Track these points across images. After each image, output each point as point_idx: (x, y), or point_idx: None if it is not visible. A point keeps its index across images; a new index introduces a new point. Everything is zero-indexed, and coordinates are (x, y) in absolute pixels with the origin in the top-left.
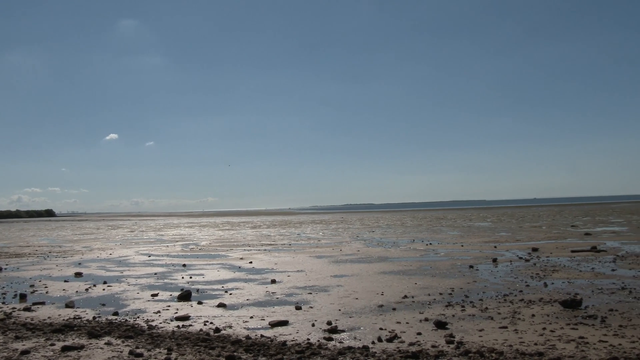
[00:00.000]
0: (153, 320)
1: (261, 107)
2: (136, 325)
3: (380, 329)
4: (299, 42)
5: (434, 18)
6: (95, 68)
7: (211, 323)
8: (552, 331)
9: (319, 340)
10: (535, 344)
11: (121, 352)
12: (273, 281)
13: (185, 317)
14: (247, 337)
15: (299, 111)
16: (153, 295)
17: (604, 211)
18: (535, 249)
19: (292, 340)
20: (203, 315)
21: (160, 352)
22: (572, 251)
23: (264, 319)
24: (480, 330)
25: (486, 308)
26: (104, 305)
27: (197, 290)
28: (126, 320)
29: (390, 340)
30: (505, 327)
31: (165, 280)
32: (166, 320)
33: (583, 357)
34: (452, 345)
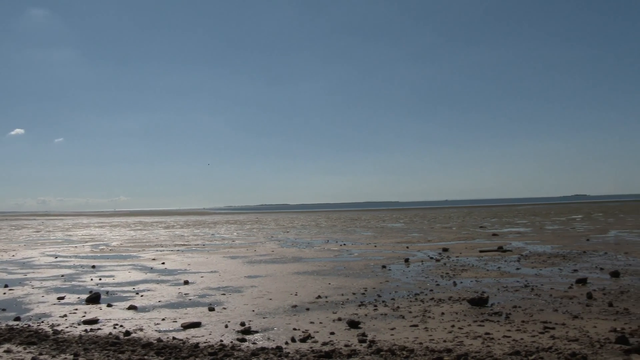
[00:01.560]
0: (59, 325)
1: (176, 105)
2: (40, 331)
3: (294, 329)
4: (217, 40)
5: (355, 20)
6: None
7: (121, 326)
8: (460, 328)
9: (232, 342)
10: (445, 341)
11: (23, 359)
12: (186, 282)
13: (94, 321)
14: (159, 340)
15: (215, 110)
16: (59, 298)
17: (510, 213)
18: (445, 249)
19: (205, 342)
20: (113, 318)
21: (66, 358)
22: (480, 251)
23: (176, 321)
24: (392, 329)
25: (398, 307)
26: (4, 310)
27: (107, 292)
28: (29, 325)
29: (303, 340)
30: (416, 326)
31: (73, 283)
32: (73, 324)
33: (488, 352)
34: (364, 344)
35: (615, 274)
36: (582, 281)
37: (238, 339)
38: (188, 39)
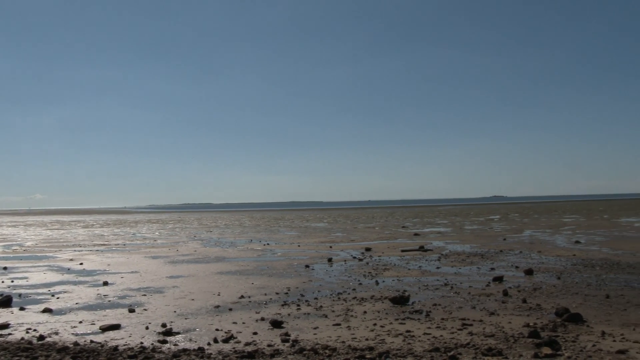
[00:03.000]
0: None
1: (96, 100)
2: None
3: (217, 329)
4: (141, 36)
5: (288, 19)
6: None
7: (35, 330)
8: (382, 326)
9: (153, 344)
10: (367, 339)
11: None
12: (105, 283)
13: (4, 325)
14: (75, 344)
15: (137, 106)
16: None
17: (431, 213)
18: (368, 249)
19: (125, 345)
20: (25, 322)
21: None
22: (402, 250)
23: (94, 324)
24: (315, 328)
25: (321, 306)
26: None
27: (20, 295)
28: None
29: (226, 340)
30: (339, 324)
31: None
32: None
33: (409, 349)
34: (287, 344)
35: (529, 272)
36: (499, 279)
37: (159, 341)
38: (110, 34)
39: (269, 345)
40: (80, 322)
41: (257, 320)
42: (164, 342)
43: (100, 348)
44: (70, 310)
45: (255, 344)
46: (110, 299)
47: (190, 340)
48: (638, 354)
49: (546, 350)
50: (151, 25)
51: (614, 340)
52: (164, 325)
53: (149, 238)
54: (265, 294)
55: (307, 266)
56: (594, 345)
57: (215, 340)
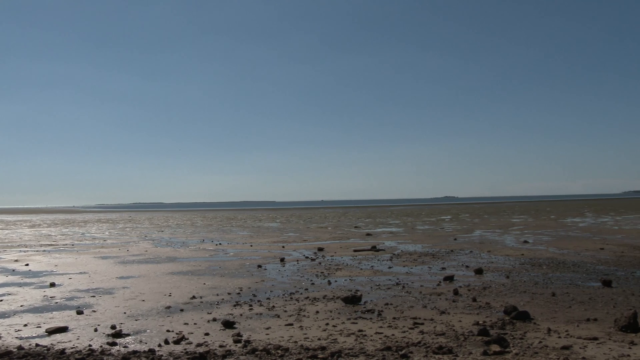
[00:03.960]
0: None
1: (42, 97)
2: None
3: (168, 330)
4: (89, 34)
5: (235, 21)
6: None
7: None
8: (334, 326)
9: (101, 346)
10: (319, 339)
11: None
12: (52, 284)
13: None
14: (20, 348)
15: (86, 104)
16: None
17: (383, 213)
18: (321, 249)
19: (72, 348)
20: None
21: None
22: (355, 250)
23: (40, 326)
24: (268, 328)
25: (273, 306)
26: None
27: None
28: None
29: (177, 342)
30: (291, 324)
31: None
32: None
33: (361, 348)
34: (239, 344)
35: (479, 271)
36: (450, 278)
37: (108, 343)
38: (57, 31)
39: (220, 346)
40: (25, 325)
41: (208, 321)
42: (114, 344)
43: (46, 352)
44: (15, 313)
45: (207, 345)
46: (57, 300)
47: (141, 341)
48: (581, 349)
49: (495, 348)
50: (104, 21)
51: (559, 337)
52: (113, 327)
53: (99, 238)
54: (217, 294)
55: (259, 266)
56: (540, 342)
57: (166, 342)
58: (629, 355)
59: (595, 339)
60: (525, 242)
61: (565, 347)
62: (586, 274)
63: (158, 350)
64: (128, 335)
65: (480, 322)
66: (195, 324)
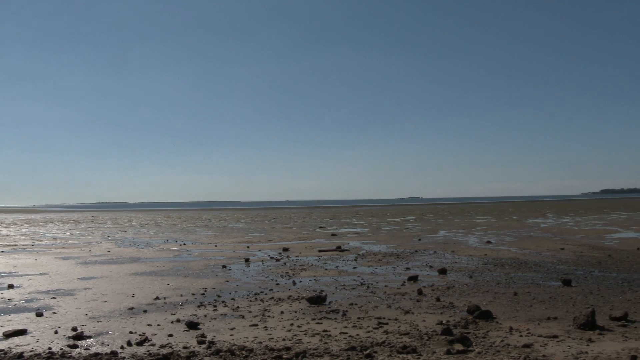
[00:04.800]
0: None
1: (3, 94)
2: None
3: (130, 332)
4: (52, 27)
5: (208, 17)
6: None
7: None
8: (299, 326)
9: (62, 349)
10: (284, 339)
11: None
12: (10, 286)
13: None
14: None
15: (47, 100)
16: None
17: (348, 214)
18: (286, 249)
19: (31, 351)
20: None
21: None
22: (320, 251)
23: None
24: (232, 329)
25: (238, 307)
26: None
27: None
28: None
29: (140, 343)
30: (256, 325)
31: None
32: None
33: (326, 348)
34: (203, 345)
35: (442, 271)
36: (414, 278)
37: (69, 346)
38: (13, 25)
39: (184, 347)
40: None
41: (172, 322)
42: (75, 346)
43: (3, 355)
44: None
45: (170, 346)
46: (15, 302)
47: (103, 343)
48: (542, 347)
49: (458, 347)
50: (65, 18)
51: (521, 335)
52: (74, 329)
53: (60, 238)
54: (181, 295)
55: (224, 266)
56: (502, 341)
57: (129, 343)
58: (587, 353)
59: (556, 337)
60: (489, 242)
61: (526, 346)
62: (547, 274)
63: (120, 352)
64: (90, 337)
65: (444, 322)
66: (158, 325)
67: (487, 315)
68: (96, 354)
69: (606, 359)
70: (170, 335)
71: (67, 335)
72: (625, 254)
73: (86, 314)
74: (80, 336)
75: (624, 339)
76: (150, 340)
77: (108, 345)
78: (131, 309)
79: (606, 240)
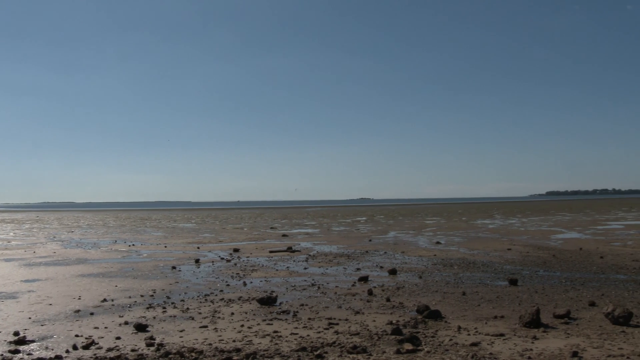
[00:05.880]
0: None
1: None
2: None
3: (76, 335)
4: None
5: (153, 18)
6: None
7: None
8: (249, 327)
9: (2, 355)
10: (234, 341)
11: None
12: None
13: None
14: None
15: None
16: None
17: (300, 214)
18: (236, 250)
19: None
20: None
21: None
22: (270, 251)
23: None
24: (182, 331)
25: (187, 308)
26: None
27: None
28: None
29: (86, 347)
30: (206, 327)
31: None
32: None
33: (276, 349)
34: (152, 348)
35: (393, 272)
36: (364, 279)
37: (10, 351)
38: None
39: (132, 350)
40: None
41: (120, 324)
42: (16, 352)
43: None
44: None
45: (118, 349)
46: None
47: (47, 348)
48: (489, 345)
49: (408, 346)
50: (12, 11)
51: (469, 334)
52: (16, 334)
53: (2, 239)
54: (130, 297)
55: (173, 267)
56: (450, 340)
57: (75, 347)
58: (532, 350)
59: (502, 335)
60: (438, 243)
61: (474, 344)
62: (494, 274)
63: (66, 357)
64: (33, 341)
65: (394, 322)
66: (106, 327)
67: (436, 315)
68: (40, 359)
69: (549, 356)
70: (118, 338)
71: (8, 340)
72: (569, 254)
73: (30, 318)
74: (22, 341)
75: (566, 336)
76: (97, 343)
77: (52, 350)
78: (77, 311)
79: (551, 240)
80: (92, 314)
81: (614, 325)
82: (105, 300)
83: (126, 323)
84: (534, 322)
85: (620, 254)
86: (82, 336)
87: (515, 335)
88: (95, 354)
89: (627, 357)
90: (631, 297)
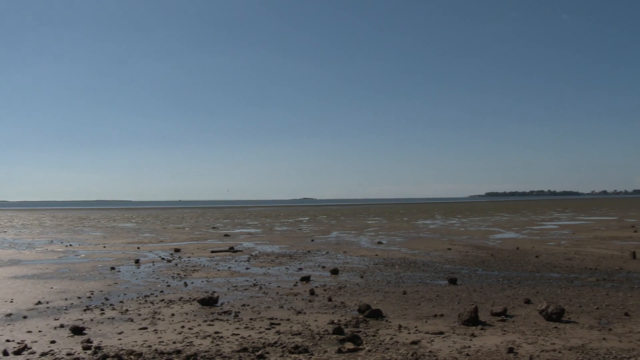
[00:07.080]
0: None
1: None
2: None
3: (7, 340)
4: None
5: (85, 15)
6: None
7: None
8: (190, 329)
9: None
10: (174, 342)
11: None
12: None
13: None
14: None
15: None
16: None
17: (242, 214)
18: (177, 250)
19: None
20: None
21: None
22: (212, 251)
23: None
24: (120, 333)
25: (127, 310)
26: None
27: None
28: None
29: (18, 352)
30: (146, 328)
31: None
32: None
33: (217, 350)
34: (89, 351)
35: (334, 272)
36: (306, 279)
37: None
38: None
39: (68, 354)
40: None
41: (55, 328)
42: None
43: None
44: None
45: (52, 354)
46: None
47: None
48: (428, 343)
49: (349, 345)
50: None
51: (409, 333)
52: None
53: None
54: (66, 299)
55: (112, 268)
56: (391, 338)
57: (5, 353)
58: (470, 347)
59: (442, 333)
60: (380, 243)
61: (414, 342)
62: (435, 273)
63: None
64: None
65: (336, 321)
66: (40, 331)
67: (377, 314)
68: None
69: (487, 352)
70: (53, 342)
71: None
72: (506, 253)
73: None
74: None
75: (503, 333)
76: (30, 348)
77: None
78: (9, 315)
79: (489, 240)
80: (25, 317)
81: (547, 321)
82: (39, 302)
83: (62, 326)
84: (473, 320)
85: (554, 253)
86: (14, 341)
87: (454, 333)
88: None
89: (559, 352)
90: (563, 295)
